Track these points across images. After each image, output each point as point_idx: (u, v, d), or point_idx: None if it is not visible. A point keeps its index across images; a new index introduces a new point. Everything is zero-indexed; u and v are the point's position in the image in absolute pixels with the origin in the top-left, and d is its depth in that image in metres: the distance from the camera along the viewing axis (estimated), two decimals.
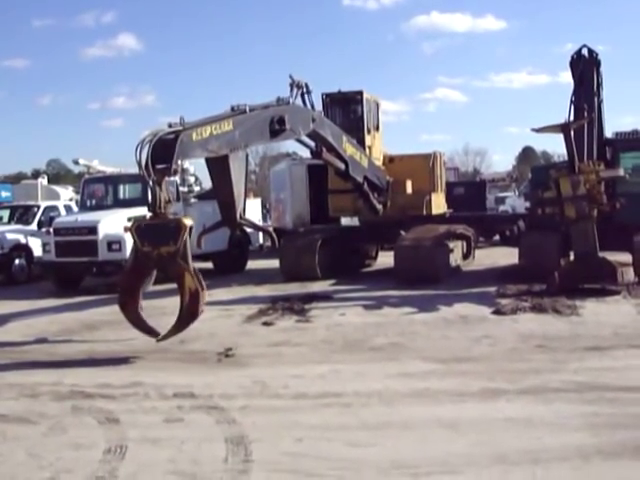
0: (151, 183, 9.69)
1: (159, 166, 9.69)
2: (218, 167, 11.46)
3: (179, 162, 10.37)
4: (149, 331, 10.16)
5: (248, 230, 18.08)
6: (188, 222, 9.65)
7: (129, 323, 10.27)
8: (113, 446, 6.25)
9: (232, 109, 11.48)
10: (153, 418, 7.10)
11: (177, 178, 17.28)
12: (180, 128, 10.08)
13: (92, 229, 16.89)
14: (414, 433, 6.36)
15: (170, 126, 10.11)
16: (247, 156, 13.04)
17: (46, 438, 6.68)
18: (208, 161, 11.47)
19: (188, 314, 9.58)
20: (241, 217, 12.06)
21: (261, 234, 20.89)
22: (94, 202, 19.41)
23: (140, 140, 9.65)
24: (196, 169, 21.93)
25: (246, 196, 12.86)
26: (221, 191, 11.79)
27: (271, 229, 16.97)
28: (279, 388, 7.95)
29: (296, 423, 6.72)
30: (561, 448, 5.78)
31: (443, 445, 6.00)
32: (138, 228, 9.76)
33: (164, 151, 9.74)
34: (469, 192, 28.25)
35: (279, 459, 5.82)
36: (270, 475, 5.47)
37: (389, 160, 19.39)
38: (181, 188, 18.84)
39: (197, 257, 14.76)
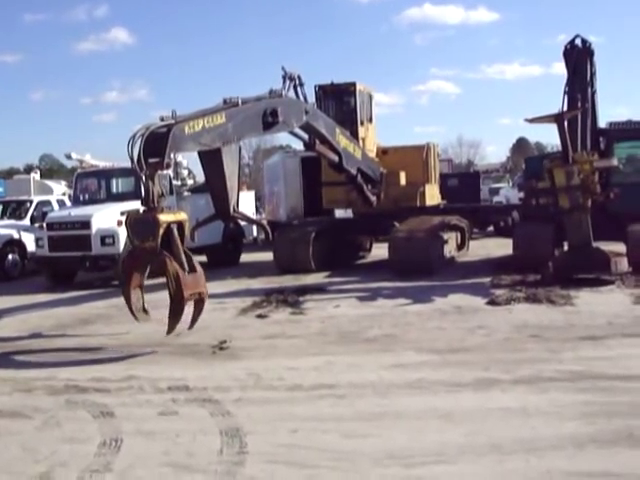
0: (144, 177, 9.65)
1: (152, 160, 9.63)
2: (211, 160, 11.42)
3: (172, 156, 10.30)
4: (137, 314, 10.12)
5: (242, 223, 18.06)
6: (165, 218, 9.51)
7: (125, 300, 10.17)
8: (108, 439, 6.24)
9: (224, 102, 11.43)
10: (147, 411, 7.09)
11: (170, 172, 17.25)
12: (172, 122, 10.03)
13: (85, 223, 16.86)
14: (409, 423, 6.36)
15: (162, 120, 10.06)
16: (240, 149, 12.99)
17: (41, 432, 6.67)
18: (201, 154, 11.42)
19: (175, 299, 9.47)
20: (235, 210, 12.02)
21: (255, 227, 20.88)
22: (87, 196, 19.36)
23: (132, 134, 9.60)
24: (189, 162, 21.91)
25: (239, 189, 12.82)
26: (214, 184, 11.76)
27: (265, 222, 16.95)
28: (274, 380, 7.94)
29: (291, 415, 6.73)
30: (555, 437, 5.79)
31: (438, 435, 6.00)
32: (129, 222, 9.73)
33: (156, 145, 9.68)
34: (463, 183, 28.23)
35: (274, 450, 5.82)
36: (265, 466, 5.47)
37: (383, 152, 19.39)
38: (174, 182, 18.81)
39: (191, 250, 14.72)
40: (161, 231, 9.39)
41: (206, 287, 9.91)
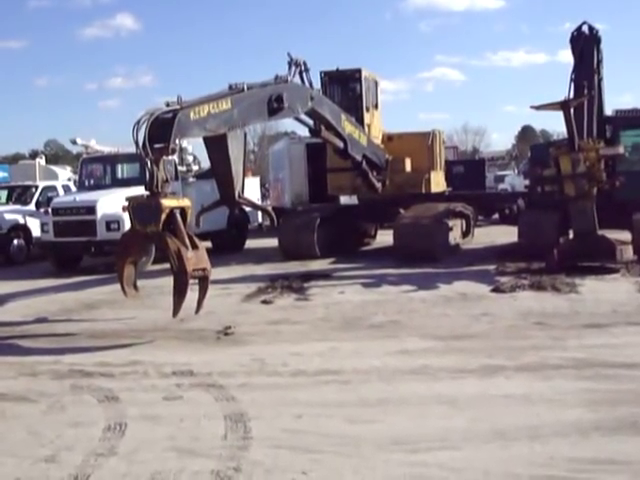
0: (148, 162, 9.64)
1: (157, 145, 9.62)
2: (216, 146, 11.38)
3: (177, 141, 10.26)
4: (126, 289, 10.19)
5: (247, 209, 18.06)
6: (168, 203, 9.49)
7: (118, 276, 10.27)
8: (113, 424, 6.26)
9: (230, 88, 11.38)
10: (152, 396, 7.11)
11: (175, 157, 17.23)
12: (178, 107, 9.98)
13: (90, 209, 16.88)
14: (413, 409, 6.37)
15: (168, 105, 10.01)
16: (245, 135, 12.97)
17: (46, 416, 6.69)
18: (206, 140, 11.38)
19: (178, 276, 9.39)
20: (240, 196, 12.01)
21: (260, 213, 20.87)
22: (92, 182, 19.40)
23: (137, 119, 9.57)
24: (194, 148, 21.85)
25: (244, 175, 12.79)
26: (219, 170, 11.73)
27: (270, 208, 16.94)
28: (278, 366, 7.96)
29: (295, 400, 6.74)
30: (559, 424, 5.79)
31: (442, 421, 6.01)
32: (132, 207, 9.75)
33: (162, 130, 9.65)
34: (468, 170, 28.20)
35: (278, 435, 5.83)
36: (269, 451, 5.47)
37: (388, 138, 19.30)
38: (179, 167, 18.78)
39: (196, 236, 14.77)
40: (163, 216, 9.37)
41: (209, 264, 9.74)
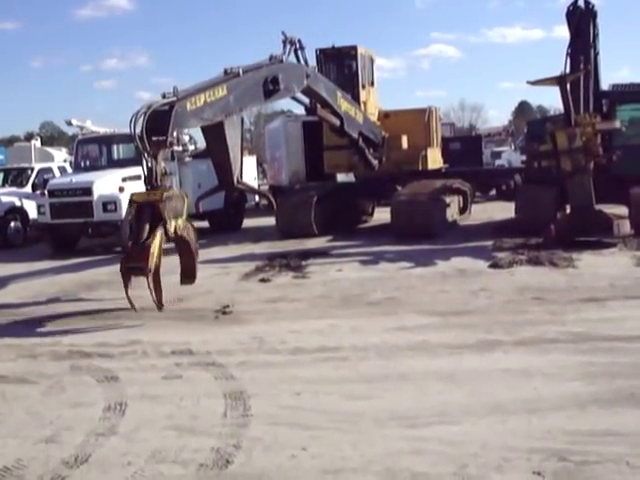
0: (147, 156, 9.59)
1: (154, 138, 9.56)
2: (213, 133, 11.31)
3: (174, 134, 10.19)
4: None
5: None
6: (137, 197, 9.50)
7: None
8: (112, 403, 6.29)
9: (225, 72, 11.28)
10: (152, 375, 7.13)
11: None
12: (174, 99, 9.87)
13: (87, 190, 16.84)
14: (412, 385, 6.39)
15: (164, 97, 9.91)
16: (242, 119, 12.89)
17: (46, 397, 6.71)
18: (203, 128, 11.32)
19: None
20: (239, 181, 11.95)
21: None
22: (88, 163, 19.33)
23: (134, 113, 9.52)
24: (190, 128, 21.81)
25: (242, 159, 12.72)
26: (217, 156, 11.67)
27: (269, 192, 16.88)
28: (277, 343, 7.98)
29: (294, 377, 6.76)
30: (557, 397, 5.81)
31: (440, 396, 6.03)
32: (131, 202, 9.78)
33: (159, 123, 9.59)
34: (465, 147, 28.15)
35: (278, 413, 5.86)
36: (269, 429, 5.50)
37: (384, 115, 19.26)
38: (175, 147, 18.70)
39: (193, 216, 14.79)
40: (132, 210, 9.41)
41: (151, 261, 9.17)
